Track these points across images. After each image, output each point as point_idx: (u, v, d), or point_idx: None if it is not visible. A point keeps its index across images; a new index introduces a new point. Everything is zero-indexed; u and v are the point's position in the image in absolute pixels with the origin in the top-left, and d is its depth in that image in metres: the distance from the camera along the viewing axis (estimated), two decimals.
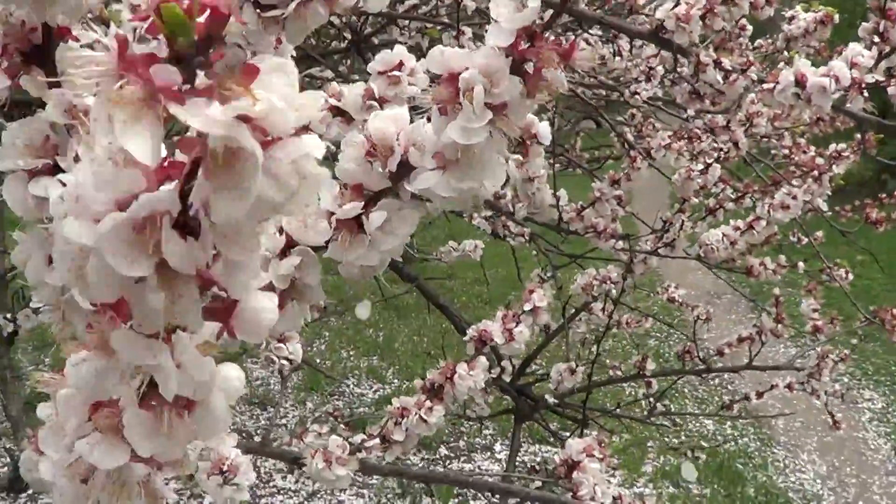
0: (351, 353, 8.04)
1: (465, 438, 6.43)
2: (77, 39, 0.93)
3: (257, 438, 5.43)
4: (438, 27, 3.81)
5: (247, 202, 0.52)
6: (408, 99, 1.54)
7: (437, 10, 4.01)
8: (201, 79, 0.52)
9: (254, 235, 0.56)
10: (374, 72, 1.60)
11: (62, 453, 0.71)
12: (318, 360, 7.67)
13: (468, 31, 3.40)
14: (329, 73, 3.99)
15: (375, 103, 1.59)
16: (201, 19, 0.52)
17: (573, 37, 3.90)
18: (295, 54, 1.37)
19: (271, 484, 5.68)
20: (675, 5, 2.24)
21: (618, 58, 3.67)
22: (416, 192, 0.90)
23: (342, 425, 3.34)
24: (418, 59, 1.56)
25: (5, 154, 0.93)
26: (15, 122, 0.94)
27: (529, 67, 0.84)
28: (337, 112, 1.65)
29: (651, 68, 3.30)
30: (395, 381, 7.40)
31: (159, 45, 0.52)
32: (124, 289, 0.56)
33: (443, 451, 6.30)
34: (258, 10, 1.18)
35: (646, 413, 4.29)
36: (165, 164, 0.55)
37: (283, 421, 6.57)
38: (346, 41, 4.25)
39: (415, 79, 1.58)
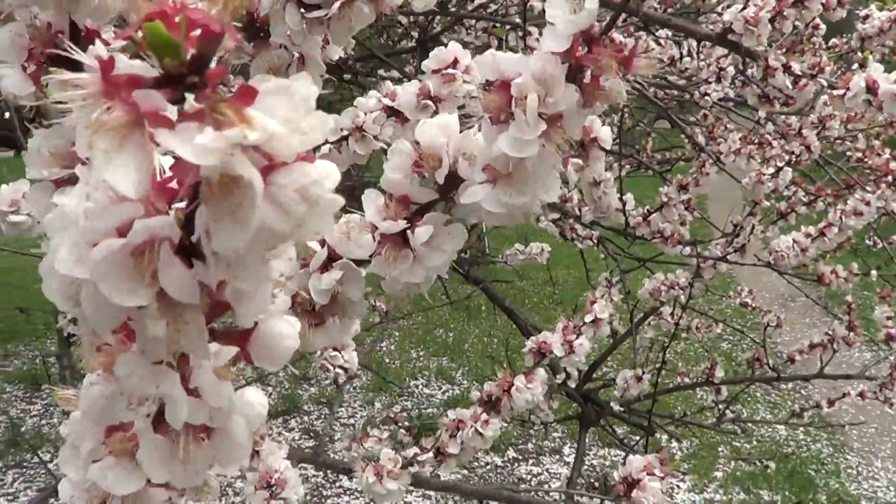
0: (420, 353, 8.02)
1: (534, 441, 6.38)
2: (107, 42, 0.90)
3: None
4: (505, 27, 3.77)
5: (247, 232, 0.48)
6: (458, 107, 1.51)
7: (507, 10, 3.97)
8: (191, 102, 0.47)
9: (261, 264, 0.52)
10: (428, 70, 1.56)
11: (81, 474, 0.68)
12: (386, 361, 7.66)
13: (535, 31, 3.35)
14: (395, 74, 3.97)
15: (430, 102, 1.55)
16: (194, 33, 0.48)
17: (643, 35, 3.86)
18: (324, 71, 1.33)
19: (337, 484, 5.67)
20: (744, 7, 2.19)
21: (688, 58, 3.61)
22: (464, 206, 0.86)
23: (402, 430, 3.31)
24: None
25: (32, 162, 0.90)
26: (41, 129, 0.91)
27: (587, 75, 0.80)
28: (391, 112, 1.62)
29: (721, 69, 3.23)
30: (465, 382, 7.36)
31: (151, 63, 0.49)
32: (126, 316, 0.53)
33: (511, 453, 6.26)
34: (302, 11, 1.15)
35: (715, 420, 4.22)
36: (169, 182, 0.51)
37: (352, 421, 6.56)
38: (413, 41, 4.24)
39: (470, 76, 1.54)
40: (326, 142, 1.65)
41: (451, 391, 7.20)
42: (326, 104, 4.17)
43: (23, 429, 6.17)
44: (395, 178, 0.87)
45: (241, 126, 0.46)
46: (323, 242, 0.90)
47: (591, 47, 0.78)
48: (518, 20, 3.57)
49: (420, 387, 7.30)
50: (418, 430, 4.72)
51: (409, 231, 0.86)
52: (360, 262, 0.89)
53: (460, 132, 0.88)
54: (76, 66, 0.88)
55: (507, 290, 7.32)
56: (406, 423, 3.81)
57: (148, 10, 0.47)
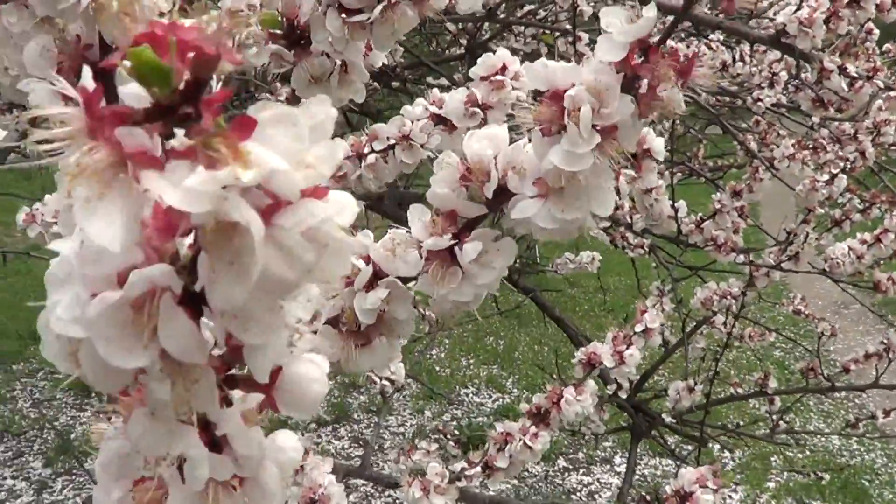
0: (471, 361, 7.97)
1: (584, 450, 6.34)
2: None
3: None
4: (555, 33, 3.74)
5: (247, 284, 0.43)
6: (507, 117, 1.47)
7: (556, 16, 3.94)
8: (180, 138, 0.42)
9: (271, 314, 0.47)
10: (476, 77, 1.53)
11: None
12: (436, 369, 7.63)
13: (585, 36, 3.32)
14: (444, 81, 3.95)
15: (478, 110, 1.52)
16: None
17: (695, 41, 3.82)
18: (367, 78, 1.30)
19: (387, 493, 5.65)
20: (798, 9, 2.15)
21: (740, 63, 3.57)
22: (514, 221, 0.83)
23: (451, 443, 3.28)
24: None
25: (62, 181, 0.87)
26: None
27: (643, 84, 0.76)
28: (438, 120, 1.59)
29: (774, 74, 3.19)
30: (515, 390, 7.31)
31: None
32: (133, 375, 0.48)
33: (561, 462, 6.22)
34: (343, 16, 1.12)
35: (768, 431, 4.17)
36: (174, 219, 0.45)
37: (401, 430, 6.54)
38: (462, 48, 4.21)
39: (519, 83, 1.51)
40: (373, 150, 1.63)
41: (501, 400, 7.15)
42: (375, 112, 4.16)
43: (72, 436, 6.18)
44: (441, 193, 0.84)
45: (232, 165, 0.41)
46: (368, 259, 0.87)
47: (647, 56, 0.75)
48: (568, 26, 3.54)
49: (470, 395, 7.26)
50: (468, 441, 4.69)
51: (456, 247, 0.83)
52: (406, 280, 0.86)
53: (509, 143, 0.85)
54: (108, 83, 0.84)
55: (558, 297, 7.28)
56: (455, 435, 3.77)
57: (135, 32, 0.42)
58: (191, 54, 0.43)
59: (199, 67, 0.43)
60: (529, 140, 0.82)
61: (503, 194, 0.83)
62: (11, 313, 7.57)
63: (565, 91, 0.76)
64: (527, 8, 4.09)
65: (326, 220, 0.44)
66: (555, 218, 0.80)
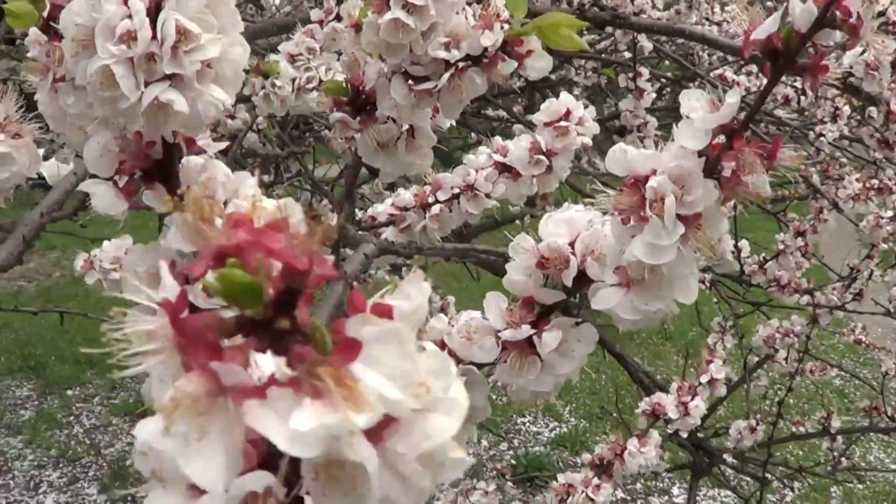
0: None
1: (643, 481, 6.28)
2: (204, 151, 0.84)
3: None
4: (615, 66, 3.72)
5: None
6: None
7: (616, 46, 3.92)
8: (282, 370, 0.39)
9: None
10: (539, 123, 1.51)
11: None
12: (493, 397, 7.57)
13: (645, 71, 3.29)
14: (503, 113, 3.92)
15: (543, 157, 1.50)
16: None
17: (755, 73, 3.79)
18: (435, 142, 1.28)
19: None
20: (864, 51, 2.12)
21: (802, 96, 3.54)
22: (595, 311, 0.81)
23: (510, 483, 3.26)
24: (594, 98, 1.46)
25: (128, 283, 0.86)
26: (137, 245, 0.87)
27: (726, 167, 0.74)
28: (503, 168, 1.57)
29: (837, 108, 3.16)
30: (572, 419, 7.26)
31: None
32: None
33: (619, 493, 6.16)
34: (409, 83, 1.10)
35: (830, 468, 4.13)
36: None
37: None
38: (521, 79, 4.20)
39: (584, 128, 1.48)
40: (437, 201, 1.61)
41: (558, 429, 7.10)
42: None
43: (127, 462, 6.19)
44: (518, 280, 0.82)
45: (344, 410, 0.38)
46: (442, 345, 0.85)
47: (731, 141, 0.72)
48: (628, 55, 3.52)
49: (527, 424, 7.21)
50: (525, 471, 4.66)
51: (535, 337, 0.81)
52: (482, 365, 0.85)
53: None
54: (172, 179, 0.82)
55: (614, 329, 7.24)
56: (513, 469, 3.74)
57: (218, 243, 0.40)
58: (279, 264, 0.40)
59: (290, 280, 0.41)
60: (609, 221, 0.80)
61: (582, 279, 0.81)
62: (67, 338, 7.59)
63: (646, 178, 0.74)
64: (586, 39, 4.07)
65: (442, 444, 0.41)
66: (638, 309, 0.78)
